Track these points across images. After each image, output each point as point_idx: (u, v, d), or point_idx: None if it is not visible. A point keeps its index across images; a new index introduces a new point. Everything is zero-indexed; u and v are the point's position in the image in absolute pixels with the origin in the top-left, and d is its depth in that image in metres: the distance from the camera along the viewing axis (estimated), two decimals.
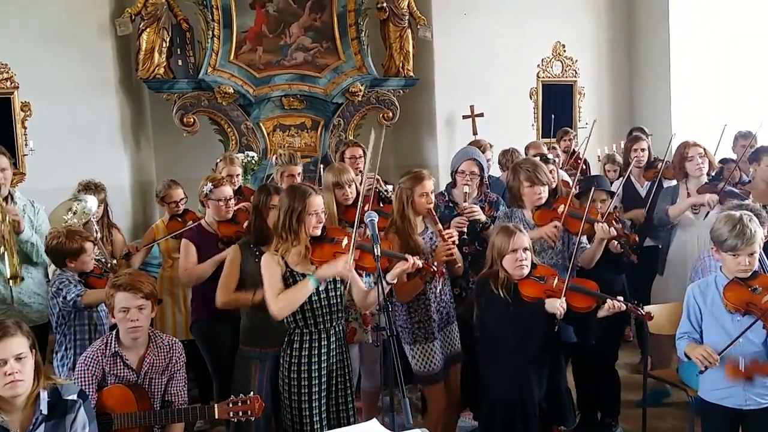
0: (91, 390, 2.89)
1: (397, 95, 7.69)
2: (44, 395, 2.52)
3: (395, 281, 3.07)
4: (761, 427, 3.09)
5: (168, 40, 7.02)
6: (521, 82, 8.22)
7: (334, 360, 3.17)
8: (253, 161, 6.98)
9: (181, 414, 2.98)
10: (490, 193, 4.34)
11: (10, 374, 2.41)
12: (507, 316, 3.20)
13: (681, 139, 4.92)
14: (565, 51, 8.38)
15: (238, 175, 5.10)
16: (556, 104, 8.24)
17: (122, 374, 2.98)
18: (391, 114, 7.61)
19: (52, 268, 4.06)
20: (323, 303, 3.10)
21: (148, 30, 6.86)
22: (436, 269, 3.15)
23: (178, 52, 7.33)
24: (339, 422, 3.17)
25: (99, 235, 4.40)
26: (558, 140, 6.94)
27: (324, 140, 7.50)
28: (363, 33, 7.51)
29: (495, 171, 5.88)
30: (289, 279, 3.05)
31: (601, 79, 8.73)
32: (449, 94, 8.06)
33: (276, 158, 5.55)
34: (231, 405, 2.91)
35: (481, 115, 7.92)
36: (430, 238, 3.63)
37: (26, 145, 6.57)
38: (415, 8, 7.63)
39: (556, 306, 3.08)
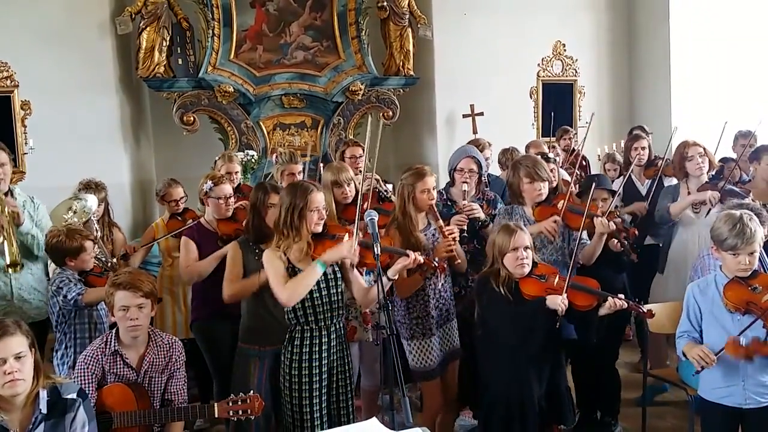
0: (90, 389, 2.89)
1: (397, 94, 7.68)
2: (44, 394, 2.51)
3: (396, 277, 3.07)
4: (761, 425, 3.09)
5: (168, 38, 7.01)
6: (521, 81, 8.20)
7: (335, 358, 3.18)
8: (253, 160, 6.98)
9: (181, 413, 2.98)
10: (489, 191, 4.35)
11: (9, 373, 2.41)
12: (508, 313, 3.20)
13: (682, 135, 4.91)
14: (565, 50, 8.36)
15: (236, 173, 5.10)
16: (556, 103, 8.22)
17: (122, 373, 2.98)
18: (391, 113, 7.60)
19: (52, 266, 4.07)
20: (324, 300, 3.10)
21: (148, 29, 6.85)
22: (437, 264, 3.16)
23: (179, 51, 7.32)
24: (339, 420, 3.18)
25: (99, 233, 4.40)
26: (558, 139, 6.93)
27: (324, 139, 7.49)
28: (363, 32, 7.50)
29: (494, 170, 5.88)
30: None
31: (602, 79, 8.72)
32: (449, 93, 8.05)
33: (276, 157, 5.55)
34: (231, 404, 2.91)
35: (481, 114, 7.91)
36: (432, 235, 3.64)
37: (26, 143, 6.55)
38: (415, 7, 7.62)
39: (558, 302, 3.08)
